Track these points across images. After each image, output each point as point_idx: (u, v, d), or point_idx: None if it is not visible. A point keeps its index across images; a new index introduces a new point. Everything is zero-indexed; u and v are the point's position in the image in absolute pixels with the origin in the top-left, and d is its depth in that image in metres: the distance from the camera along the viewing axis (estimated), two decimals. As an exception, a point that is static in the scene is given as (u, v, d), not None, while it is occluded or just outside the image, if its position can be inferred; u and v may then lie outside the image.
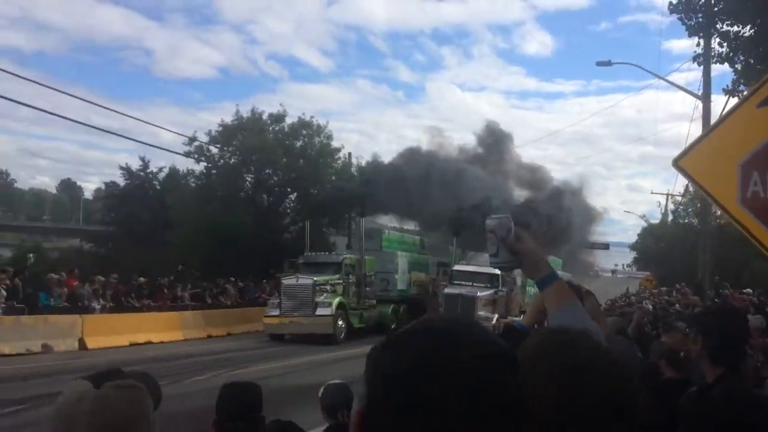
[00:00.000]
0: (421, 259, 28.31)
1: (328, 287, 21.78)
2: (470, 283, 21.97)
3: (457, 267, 23.99)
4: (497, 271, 22.05)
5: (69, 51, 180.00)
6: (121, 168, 36.60)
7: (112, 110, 42.17)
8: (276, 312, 21.08)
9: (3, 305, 16.54)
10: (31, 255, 25.83)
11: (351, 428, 0.87)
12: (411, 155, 31.59)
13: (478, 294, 21.04)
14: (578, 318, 1.60)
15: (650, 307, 13.82)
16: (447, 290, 21.88)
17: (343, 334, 21.21)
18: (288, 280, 21.59)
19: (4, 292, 16.71)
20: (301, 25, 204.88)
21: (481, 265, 22.93)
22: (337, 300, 21.32)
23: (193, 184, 35.29)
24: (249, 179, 33.97)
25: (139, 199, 35.18)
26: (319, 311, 20.76)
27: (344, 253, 24.50)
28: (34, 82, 21.89)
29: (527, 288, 24.66)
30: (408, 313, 25.81)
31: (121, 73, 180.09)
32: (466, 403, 0.79)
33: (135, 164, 36.16)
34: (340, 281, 22.31)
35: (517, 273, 23.11)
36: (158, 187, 36.61)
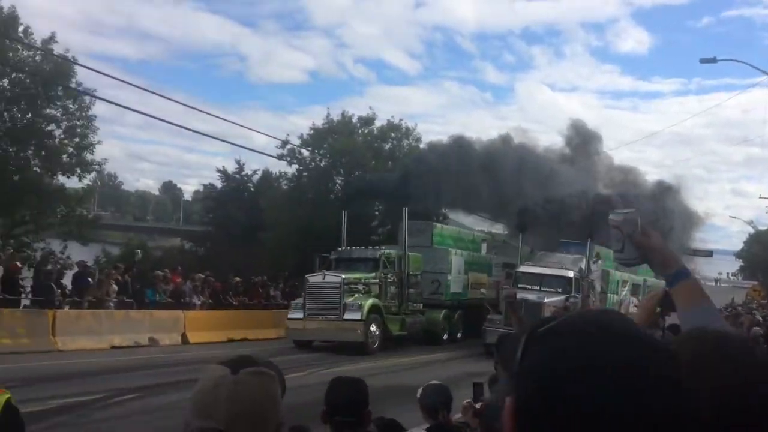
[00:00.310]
0: (481, 259, 24.91)
1: (360, 287, 18.90)
2: (537, 287, 19.35)
3: (522, 268, 20.73)
4: (570, 274, 19.95)
5: (170, 58, 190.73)
6: (218, 170, 38.15)
7: (209, 114, 43.89)
8: (299, 314, 18.35)
9: (114, 300, 17.72)
10: (138, 251, 27.38)
11: (504, 422, 0.87)
12: (503, 144, 28.23)
13: (546, 300, 18.33)
14: (713, 319, 1.50)
15: (760, 318, 12.98)
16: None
17: (377, 343, 18.27)
18: (314, 278, 18.74)
19: (115, 287, 17.90)
20: (389, 27, 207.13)
21: (551, 266, 20.44)
22: (369, 302, 18.32)
23: (285, 187, 36.30)
24: (339, 181, 34.59)
25: (234, 201, 36.53)
26: (348, 314, 17.85)
27: (383, 248, 20.99)
28: (140, 87, 23.40)
29: (608, 295, 22.55)
30: (463, 319, 21.84)
31: (218, 79, 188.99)
32: (630, 404, 0.76)
33: (231, 167, 37.61)
34: (376, 280, 19.25)
35: (596, 277, 21.34)
36: (252, 189, 37.90)
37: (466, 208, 29.37)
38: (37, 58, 22.86)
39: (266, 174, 37.99)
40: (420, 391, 4.27)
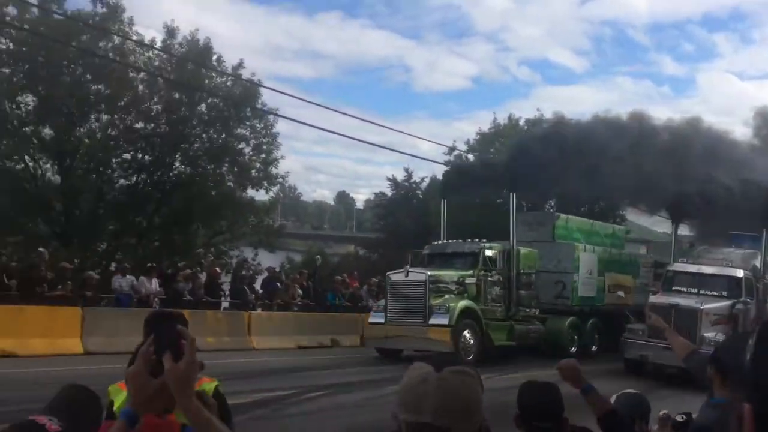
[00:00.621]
0: (623, 257, 20.83)
1: (453, 287, 16.10)
2: (695, 290, 15.69)
3: (675, 267, 16.73)
4: (738, 273, 16.00)
5: (341, 75, 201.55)
6: (388, 179, 39.44)
7: (378, 125, 45.66)
8: (380, 318, 16.06)
9: (299, 303, 19.04)
10: (318, 257, 29.15)
11: (746, 424, 0.83)
12: (690, 128, 22.90)
13: (703, 306, 14.71)
14: None
15: None
16: (653, 299, 15.40)
17: (472, 355, 15.04)
18: (396, 275, 16.33)
19: (300, 291, 19.24)
20: (553, 27, 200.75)
21: (714, 263, 16.52)
22: (462, 304, 15.43)
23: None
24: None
25: (404, 208, 37.49)
26: (434, 319, 15.18)
27: (484, 241, 17.39)
28: (315, 104, 24.85)
29: None
30: (598, 328, 18.20)
31: (385, 91, 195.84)
32: None
33: (400, 175, 38.69)
34: (474, 279, 16.24)
35: None
36: (421, 196, 38.65)
37: (649, 206, 24.18)
38: (228, 83, 25.28)
39: (434, 181, 38.48)
40: (613, 398, 4.08)
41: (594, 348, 18.59)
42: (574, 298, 18.52)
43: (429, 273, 15.88)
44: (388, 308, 15.96)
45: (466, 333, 15.34)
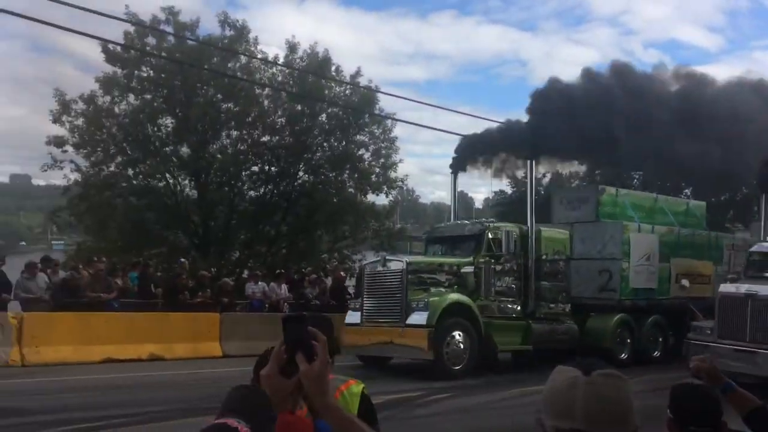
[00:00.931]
0: (699, 238, 16.72)
1: (443, 278, 13.29)
2: None
3: (760, 248, 13.16)
4: None
5: (454, 74, 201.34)
6: (508, 177, 38.72)
7: (494, 121, 44.66)
8: (356, 318, 13.28)
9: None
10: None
11: None
12: None
13: None
14: None
15: None
16: (723, 288, 12.31)
17: (463, 363, 12.42)
18: (372, 265, 13.77)
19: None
20: (681, 4, 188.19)
21: None
22: (450, 298, 12.59)
23: (575, 186, 35.37)
24: (636, 176, 32.52)
25: (524, 206, 36.67)
26: (412, 318, 12.34)
27: (492, 220, 14.84)
28: (430, 105, 25.02)
29: None
30: (660, 328, 14.79)
31: (500, 87, 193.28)
32: None
33: (519, 173, 37.86)
34: (472, 267, 13.27)
35: None
36: (542, 192, 37.66)
37: None
38: (347, 92, 25.97)
39: (556, 176, 37.42)
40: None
41: (656, 353, 15.29)
42: (624, 291, 14.94)
43: (408, 260, 13.25)
44: (363, 306, 13.31)
45: (456, 335, 12.46)
